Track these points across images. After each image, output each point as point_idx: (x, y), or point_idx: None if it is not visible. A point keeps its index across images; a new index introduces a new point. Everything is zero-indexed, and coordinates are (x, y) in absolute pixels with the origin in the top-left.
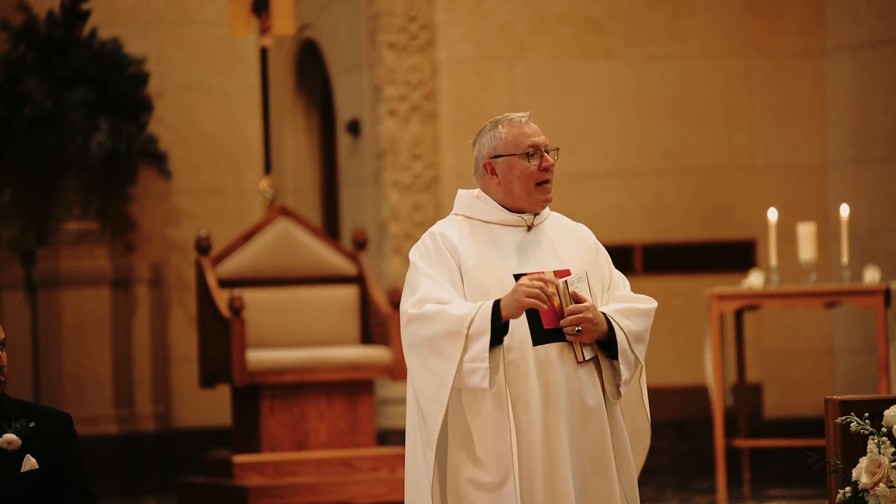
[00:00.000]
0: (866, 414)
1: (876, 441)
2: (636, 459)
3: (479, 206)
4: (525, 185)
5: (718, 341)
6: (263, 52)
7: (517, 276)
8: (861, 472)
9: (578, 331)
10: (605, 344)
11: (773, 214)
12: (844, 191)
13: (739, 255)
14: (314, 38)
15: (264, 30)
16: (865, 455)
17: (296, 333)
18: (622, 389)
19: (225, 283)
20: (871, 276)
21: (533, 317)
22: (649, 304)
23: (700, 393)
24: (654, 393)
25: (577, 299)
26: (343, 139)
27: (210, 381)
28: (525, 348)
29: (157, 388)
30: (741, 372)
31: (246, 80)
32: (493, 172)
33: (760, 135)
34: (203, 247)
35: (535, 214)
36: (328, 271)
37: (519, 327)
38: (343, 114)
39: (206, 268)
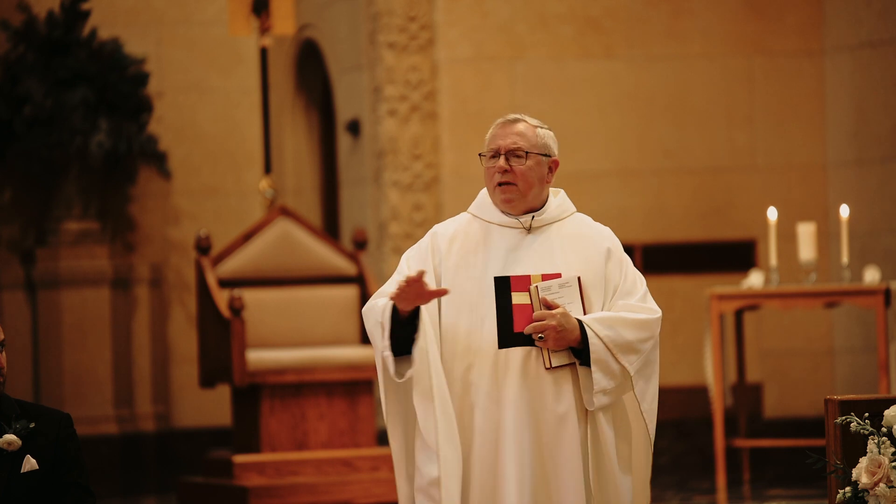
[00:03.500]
0: (866, 414)
1: (876, 441)
2: (641, 470)
3: (487, 206)
4: (488, 185)
5: (718, 341)
6: (263, 52)
7: (498, 280)
8: (861, 472)
9: (540, 337)
10: (581, 351)
11: (773, 214)
12: (844, 191)
13: (739, 255)
14: (314, 38)
15: (264, 30)
16: (865, 455)
17: (296, 333)
18: (600, 399)
19: (225, 283)
20: (871, 276)
21: (505, 319)
22: (647, 314)
23: (700, 393)
24: None
25: (548, 305)
26: (343, 139)
27: (210, 381)
28: (486, 351)
29: (157, 388)
30: (741, 372)
31: (246, 80)
32: None
33: (760, 135)
34: (203, 247)
35: (533, 217)
36: (328, 271)
37: (486, 329)
38: (343, 114)
39: (206, 268)
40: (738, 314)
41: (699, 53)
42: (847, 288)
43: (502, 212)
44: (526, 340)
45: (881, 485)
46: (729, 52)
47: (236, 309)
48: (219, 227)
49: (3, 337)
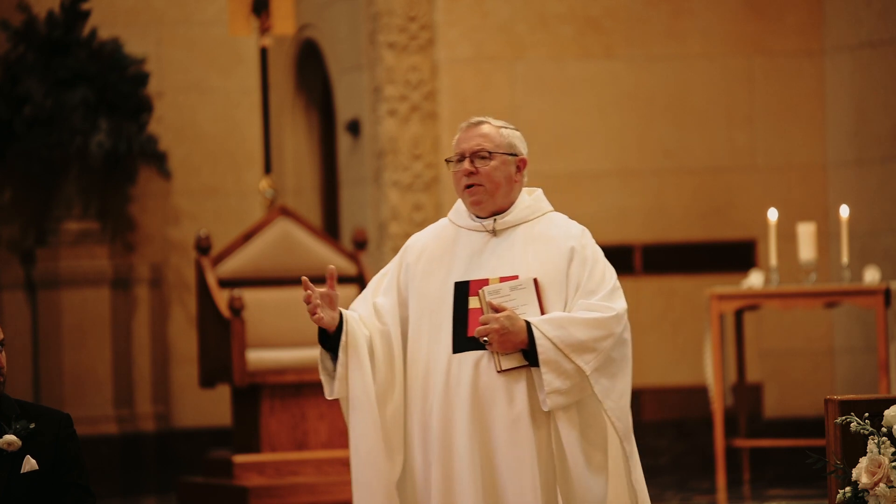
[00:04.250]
0: (866, 414)
1: (876, 441)
2: (618, 471)
3: (460, 211)
4: (456, 189)
5: (718, 341)
6: (263, 52)
7: (458, 284)
8: (861, 472)
9: (485, 341)
10: (531, 354)
11: (773, 214)
12: (844, 191)
13: (739, 255)
14: (314, 38)
15: (264, 30)
16: (865, 455)
17: (296, 333)
18: (554, 399)
19: (225, 283)
20: (871, 276)
21: (460, 324)
22: (603, 312)
23: (700, 393)
24: (654, 393)
25: (495, 309)
26: (343, 139)
27: (210, 381)
28: (442, 356)
29: (157, 388)
30: (741, 372)
31: (246, 80)
32: None
33: (760, 135)
34: (203, 247)
35: (496, 219)
36: None
37: (443, 335)
38: (343, 114)
39: (206, 268)
40: (738, 314)
41: (699, 53)
42: (847, 288)
43: (471, 216)
44: (480, 345)
45: (881, 485)
46: (729, 52)
47: (236, 309)
48: (219, 227)
49: (2, 337)
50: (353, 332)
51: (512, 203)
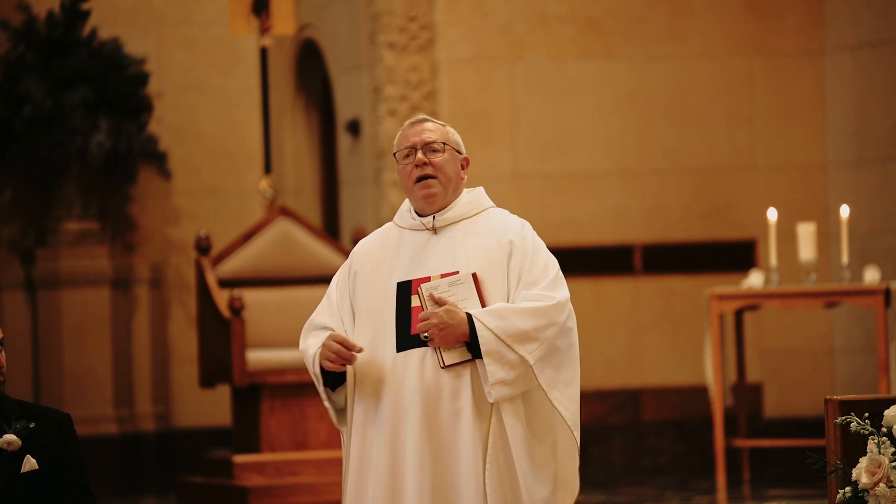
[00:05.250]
0: (866, 414)
1: (876, 441)
2: (566, 462)
3: (402, 213)
4: (406, 186)
5: (718, 341)
6: (263, 52)
7: (400, 284)
8: (861, 472)
9: (426, 337)
10: (474, 345)
11: (773, 214)
12: (844, 191)
13: (739, 255)
14: (314, 38)
15: (264, 30)
16: (865, 455)
17: (296, 333)
18: (499, 390)
19: (225, 283)
20: (871, 276)
21: (402, 322)
22: (544, 302)
23: (700, 393)
24: (654, 393)
25: (437, 304)
26: (343, 139)
27: (210, 381)
28: (387, 356)
29: (157, 388)
30: (741, 372)
31: (246, 80)
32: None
33: (760, 135)
34: (203, 247)
35: (435, 216)
36: (328, 271)
37: (387, 335)
38: (343, 114)
39: (206, 268)
40: (738, 314)
41: (699, 53)
42: (847, 288)
43: (412, 216)
44: (423, 342)
45: (881, 485)
46: (729, 52)
47: (236, 309)
48: (219, 227)
49: (2, 336)
50: (350, 370)
51: (453, 201)
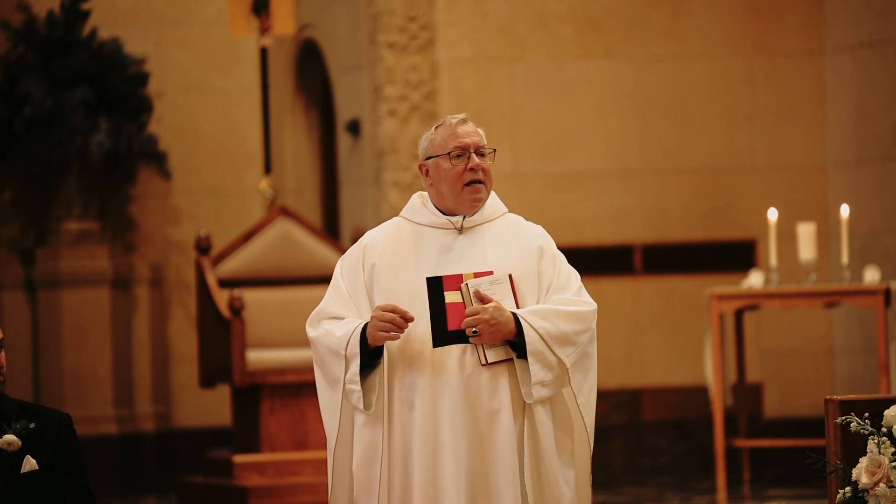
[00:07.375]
0: (866, 414)
1: (876, 441)
2: (582, 464)
3: (417, 209)
4: (452, 186)
5: (718, 341)
6: (263, 52)
7: (430, 280)
8: (861, 472)
9: (474, 332)
10: (518, 345)
11: (773, 214)
12: (844, 191)
13: (739, 255)
14: (314, 38)
15: (264, 30)
16: (865, 455)
17: (296, 333)
18: (538, 391)
19: (225, 283)
20: (871, 276)
21: (438, 317)
22: (583, 307)
23: (700, 393)
24: (654, 393)
25: (481, 300)
26: (343, 139)
27: (210, 381)
28: (421, 351)
29: (157, 388)
30: (741, 372)
31: (246, 80)
32: (427, 174)
33: (760, 135)
34: (203, 247)
35: (465, 217)
36: (328, 271)
37: (420, 330)
38: (343, 114)
39: (206, 268)
40: (738, 314)
41: (699, 53)
42: (847, 288)
43: (435, 213)
44: (460, 338)
45: (881, 485)
46: (729, 52)
47: (236, 309)
48: (219, 227)
49: (2, 336)
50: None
51: None
